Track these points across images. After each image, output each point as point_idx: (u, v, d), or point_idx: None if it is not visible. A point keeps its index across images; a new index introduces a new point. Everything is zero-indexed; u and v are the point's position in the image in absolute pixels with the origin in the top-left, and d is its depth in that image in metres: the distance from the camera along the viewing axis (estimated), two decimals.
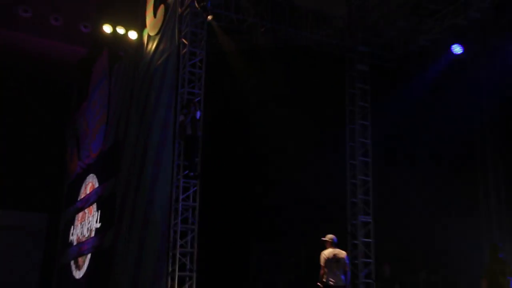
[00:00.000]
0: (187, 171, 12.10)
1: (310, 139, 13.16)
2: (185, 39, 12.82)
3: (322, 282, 10.03)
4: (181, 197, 12.10)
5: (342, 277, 10.00)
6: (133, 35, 15.73)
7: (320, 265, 10.20)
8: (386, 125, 14.68)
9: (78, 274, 18.23)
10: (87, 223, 18.22)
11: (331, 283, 9.96)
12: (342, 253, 10.23)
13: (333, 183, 14.50)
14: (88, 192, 18.66)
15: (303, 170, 12.73)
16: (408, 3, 12.84)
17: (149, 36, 14.65)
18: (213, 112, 12.58)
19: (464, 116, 15.66)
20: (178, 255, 11.87)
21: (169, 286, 11.74)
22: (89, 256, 17.53)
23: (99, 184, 17.70)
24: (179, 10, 13.12)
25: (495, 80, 15.01)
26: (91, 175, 18.57)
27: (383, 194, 14.65)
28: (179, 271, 11.85)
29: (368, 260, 14.42)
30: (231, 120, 12.60)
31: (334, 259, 10.07)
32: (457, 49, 14.06)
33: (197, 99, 12.42)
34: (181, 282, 11.88)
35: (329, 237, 10.46)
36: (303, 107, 13.16)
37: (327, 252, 10.20)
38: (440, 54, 14.66)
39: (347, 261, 10.21)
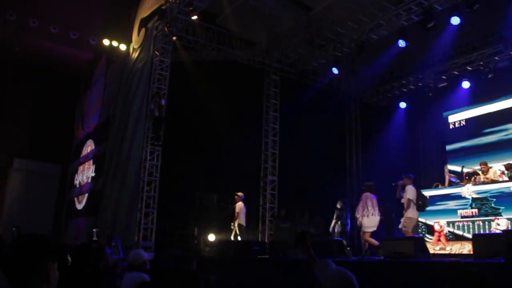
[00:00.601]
0: (153, 141, 12.07)
1: (239, 124, 13.12)
2: (157, 51, 12.89)
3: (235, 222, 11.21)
4: (148, 157, 12.14)
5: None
6: (123, 47, 15.56)
7: (236, 212, 11.31)
8: (289, 116, 14.73)
9: (79, 206, 18.06)
10: (86, 173, 18.09)
11: (242, 223, 11.18)
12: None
13: (253, 154, 14.54)
14: (87, 151, 18.49)
15: (233, 145, 12.68)
16: (305, 38, 12.93)
17: (133, 48, 14.76)
18: (173, 101, 12.46)
19: (338, 113, 16.02)
20: (145, 197, 11.88)
21: (138, 218, 11.64)
22: (86, 195, 17.44)
23: (95, 146, 17.58)
24: (154, 32, 13.21)
25: (356, 92, 15.39)
26: (90, 140, 18.38)
27: (285, 162, 14.71)
28: (145, 208, 11.89)
29: (272, 205, 14.51)
30: (186, 108, 12.47)
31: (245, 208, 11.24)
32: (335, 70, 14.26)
33: (163, 92, 12.40)
34: (146, 215, 11.92)
35: (240, 194, 11.40)
36: (235, 102, 13.13)
37: (241, 204, 11.21)
38: (325, 73, 14.90)
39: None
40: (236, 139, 12.89)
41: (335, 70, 14.26)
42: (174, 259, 9.61)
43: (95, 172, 16.61)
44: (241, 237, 11.12)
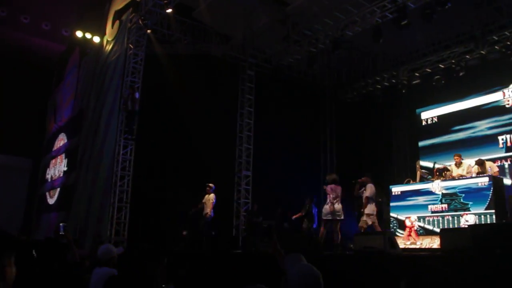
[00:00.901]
0: (126, 134, 11.94)
1: (213, 119, 13.10)
2: (131, 44, 12.77)
3: (207, 213, 11.42)
4: (121, 152, 12.03)
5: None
6: (96, 39, 15.34)
7: (211, 203, 11.46)
8: (264, 112, 14.77)
9: (51, 201, 17.75)
10: (58, 167, 17.82)
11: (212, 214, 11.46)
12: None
13: (228, 149, 14.52)
14: (59, 145, 18.22)
15: (207, 140, 12.60)
16: (281, 34, 12.94)
17: (107, 40, 14.59)
18: (147, 95, 12.35)
19: (313, 109, 16.11)
20: (117, 192, 11.77)
21: (110, 212, 11.54)
22: (58, 189, 17.17)
23: (67, 140, 17.33)
24: (129, 24, 13.10)
25: (331, 88, 15.40)
26: (62, 133, 18.11)
27: (259, 157, 14.73)
28: (118, 202, 11.85)
29: (247, 200, 14.53)
30: (160, 102, 12.34)
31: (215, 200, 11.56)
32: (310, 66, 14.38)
33: (137, 85, 12.27)
34: (119, 210, 11.85)
35: (211, 185, 11.64)
36: (210, 96, 13.07)
37: (212, 195, 11.53)
38: (300, 69, 14.99)
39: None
40: (211, 133, 12.84)
41: (310, 66, 14.31)
42: (145, 254, 9.54)
43: (67, 166, 16.36)
44: (205, 227, 11.24)
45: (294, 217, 12.21)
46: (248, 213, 13.84)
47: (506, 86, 13.16)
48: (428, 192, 9.91)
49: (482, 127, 13.58)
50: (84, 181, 13.65)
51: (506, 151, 12.77)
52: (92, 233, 11.93)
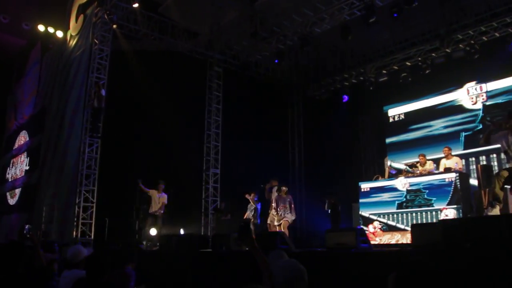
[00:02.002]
0: (92, 132, 11.71)
1: (181, 116, 12.97)
2: (96, 40, 12.49)
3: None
4: (87, 150, 11.79)
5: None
6: (59, 33, 14.94)
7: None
8: (232, 109, 14.72)
9: (12, 201, 17.17)
10: (19, 166, 17.25)
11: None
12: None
13: (195, 146, 14.43)
14: (21, 143, 17.64)
15: (175, 137, 12.49)
16: (249, 30, 12.93)
17: (71, 35, 14.23)
18: (113, 92, 12.16)
19: (281, 106, 16.15)
20: (83, 191, 11.54)
21: (76, 212, 11.29)
22: (20, 189, 16.64)
23: (29, 138, 16.81)
24: (94, 19, 12.81)
25: (299, 85, 15.50)
26: (24, 131, 17.52)
27: (227, 155, 14.68)
28: (84, 202, 11.64)
29: (215, 198, 14.47)
30: (126, 99, 12.14)
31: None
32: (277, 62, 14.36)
33: (102, 81, 12.03)
34: (85, 210, 11.62)
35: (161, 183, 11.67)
36: (177, 93, 12.96)
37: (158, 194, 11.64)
38: (268, 66, 14.99)
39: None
40: (178, 131, 12.73)
41: (278, 63, 14.35)
42: (113, 254, 9.35)
43: (29, 165, 15.90)
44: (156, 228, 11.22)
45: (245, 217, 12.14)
46: (216, 211, 13.76)
47: (471, 83, 13.52)
48: (394, 189, 10.09)
49: (448, 123, 13.93)
50: (47, 180, 13.28)
51: (465, 148, 13.16)
52: (57, 234, 11.64)
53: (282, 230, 10.23)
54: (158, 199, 11.51)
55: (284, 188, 11.16)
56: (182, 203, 12.70)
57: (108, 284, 3.77)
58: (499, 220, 5.15)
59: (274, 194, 11.16)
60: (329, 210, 12.52)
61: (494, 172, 7.77)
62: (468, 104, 13.58)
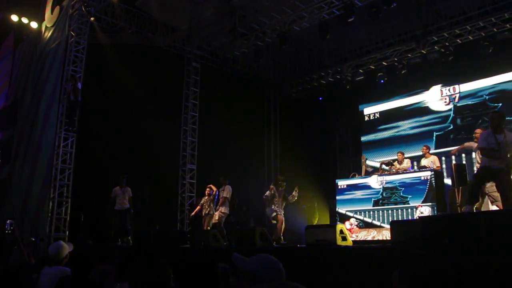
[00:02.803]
0: (67, 126, 11.52)
1: (158, 111, 12.89)
2: (72, 32, 12.30)
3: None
4: (62, 144, 11.59)
5: None
6: (34, 24, 14.59)
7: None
8: (209, 104, 14.81)
9: None
10: None
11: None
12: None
13: (172, 142, 14.34)
14: None
15: (151, 132, 12.40)
16: (228, 26, 12.90)
17: (46, 26, 13.97)
18: (89, 85, 11.98)
19: (258, 103, 16.23)
20: (58, 186, 11.34)
21: (50, 207, 11.15)
22: None
23: (0, 131, 16.18)
24: (70, 11, 12.61)
25: (276, 82, 15.55)
26: None
27: (204, 150, 14.65)
28: (58, 197, 11.47)
29: (191, 194, 14.45)
30: (102, 92, 12.00)
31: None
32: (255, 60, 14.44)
33: (79, 75, 11.86)
34: (59, 205, 11.45)
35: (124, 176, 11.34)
36: (154, 88, 12.91)
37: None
38: (246, 63, 15.03)
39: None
40: (155, 126, 12.65)
41: (256, 60, 14.39)
42: (90, 250, 9.26)
43: (0, 159, 15.50)
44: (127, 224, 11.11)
45: (194, 212, 11.99)
46: (192, 207, 13.73)
47: (445, 84, 13.85)
48: (370, 186, 10.28)
49: (421, 123, 14.25)
50: (20, 174, 13.02)
51: (436, 148, 13.47)
52: (29, 229, 11.43)
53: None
54: (122, 194, 11.30)
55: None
56: (158, 198, 12.65)
57: (93, 281, 3.75)
58: (476, 217, 5.32)
59: (227, 191, 10.99)
60: (304, 206, 12.69)
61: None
62: (441, 105, 13.91)
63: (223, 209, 10.82)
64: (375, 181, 10.21)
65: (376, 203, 10.09)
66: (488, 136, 6.09)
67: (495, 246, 4.60)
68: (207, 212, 11.20)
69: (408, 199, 9.60)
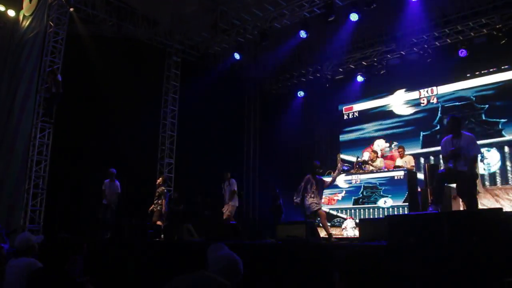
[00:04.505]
0: (44, 117, 11.45)
1: (137, 104, 12.88)
2: (51, 22, 12.11)
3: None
4: (38, 135, 11.49)
5: None
6: (11, 13, 14.33)
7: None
8: (189, 99, 14.79)
9: None
10: None
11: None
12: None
13: (151, 135, 14.37)
14: None
15: (130, 125, 12.43)
16: (209, 22, 12.96)
17: (24, 15, 13.65)
18: (68, 77, 11.86)
19: (238, 98, 16.30)
20: (33, 177, 11.29)
21: (25, 199, 11.12)
22: None
23: None
24: (49, 0, 12.35)
25: (256, 79, 15.76)
26: None
27: (183, 145, 14.71)
28: (33, 188, 11.34)
29: (169, 188, 14.46)
30: (81, 84, 11.97)
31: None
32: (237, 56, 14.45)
33: (57, 66, 11.81)
34: (35, 196, 11.36)
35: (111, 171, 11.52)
36: (134, 81, 12.87)
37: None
38: (227, 58, 15.06)
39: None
40: (134, 119, 12.66)
41: (236, 56, 14.47)
42: (63, 242, 9.25)
43: None
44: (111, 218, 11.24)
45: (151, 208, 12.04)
46: (169, 201, 13.78)
47: (422, 86, 14.09)
48: (350, 184, 10.49)
49: (399, 123, 14.49)
50: None
51: (422, 147, 13.71)
52: (3, 220, 11.35)
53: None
54: (109, 188, 11.44)
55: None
56: (136, 192, 12.65)
57: (67, 273, 3.76)
58: (441, 217, 5.50)
59: (234, 185, 11.48)
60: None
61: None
62: (419, 106, 14.16)
63: (233, 202, 11.42)
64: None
65: (356, 202, 10.30)
66: (447, 142, 6.29)
67: (457, 245, 4.78)
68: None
69: (389, 198, 9.82)
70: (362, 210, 10.17)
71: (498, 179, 12.19)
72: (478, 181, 8.19)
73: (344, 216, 10.39)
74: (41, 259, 4.35)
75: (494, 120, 12.54)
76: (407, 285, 4.61)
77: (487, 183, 12.19)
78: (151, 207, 11.86)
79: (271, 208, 12.70)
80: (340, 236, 9.94)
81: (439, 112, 13.70)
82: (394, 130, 14.51)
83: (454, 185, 7.17)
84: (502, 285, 3.23)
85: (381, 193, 9.94)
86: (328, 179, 9.32)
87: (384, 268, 4.75)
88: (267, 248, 7.07)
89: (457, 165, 6.02)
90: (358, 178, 10.32)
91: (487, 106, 12.78)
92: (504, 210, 5.42)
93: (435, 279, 4.55)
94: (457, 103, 13.39)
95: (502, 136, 12.33)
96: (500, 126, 12.40)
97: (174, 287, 1.66)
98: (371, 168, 10.64)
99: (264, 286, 5.54)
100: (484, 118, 12.77)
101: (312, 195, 8.70)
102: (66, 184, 11.74)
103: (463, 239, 4.83)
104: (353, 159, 11.49)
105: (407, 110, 14.38)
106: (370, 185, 10.13)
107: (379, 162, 10.80)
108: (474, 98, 13.07)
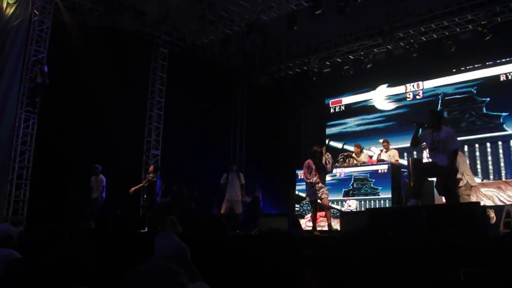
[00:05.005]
0: (28, 107, 11.36)
1: (123, 95, 12.80)
2: (36, 10, 11.99)
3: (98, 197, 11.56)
4: (22, 125, 11.42)
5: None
6: None
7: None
8: (176, 91, 14.77)
9: None
10: None
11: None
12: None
13: (137, 127, 14.33)
14: None
15: (116, 116, 12.35)
16: (197, 13, 12.89)
17: (8, 3, 13.38)
18: (53, 66, 11.76)
19: (225, 91, 16.34)
20: (17, 168, 11.24)
21: (8, 190, 11.04)
22: None
23: None
24: None
25: (244, 71, 15.71)
26: None
27: (169, 137, 14.68)
28: (17, 179, 11.32)
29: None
30: (66, 74, 11.87)
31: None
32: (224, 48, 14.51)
33: (42, 55, 11.70)
34: (18, 187, 11.34)
35: (96, 166, 11.51)
36: (120, 72, 12.80)
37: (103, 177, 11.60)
38: (214, 50, 15.10)
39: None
40: (119, 110, 12.59)
41: (224, 48, 14.45)
42: (46, 233, 9.23)
43: None
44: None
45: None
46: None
47: (408, 80, 14.21)
48: (341, 177, 10.57)
49: (384, 118, 14.62)
50: None
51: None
52: None
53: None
54: (95, 182, 11.43)
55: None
56: (121, 184, 12.63)
57: (47, 265, 3.76)
58: (420, 211, 5.59)
59: (243, 178, 10.86)
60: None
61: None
62: (404, 100, 14.28)
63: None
64: (343, 172, 10.54)
65: (346, 194, 10.38)
66: (426, 133, 6.37)
67: (436, 236, 4.85)
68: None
69: (379, 190, 9.92)
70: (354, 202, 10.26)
71: (503, 173, 12.27)
72: (470, 176, 8.32)
73: (338, 208, 10.47)
74: (19, 250, 4.37)
75: (496, 113, 12.64)
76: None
77: (491, 176, 12.32)
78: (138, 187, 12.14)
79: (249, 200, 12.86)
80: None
81: (440, 104, 13.80)
82: (379, 125, 14.63)
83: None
84: (458, 276, 3.31)
85: (371, 185, 10.04)
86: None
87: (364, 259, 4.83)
88: (250, 239, 7.13)
89: (436, 159, 6.09)
90: (342, 172, 10.39)
91: (488, 99, 12.87)
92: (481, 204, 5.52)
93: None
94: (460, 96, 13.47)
95: (504, 130, 12.41)
96: (501, 120, 12.50)
97: (133, 282, 1.66)
98: (355, 162, 10.72)
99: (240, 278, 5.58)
100: (485, 111, 12.88)
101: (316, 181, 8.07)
102: (50, 175, 11.67)
103: (441, 231, 4.92)
104: (339, 145, 11.53)
105: (390, 105, 14.54)
106: (361, 177, 10.23)
107: (363, 156, 10.89)
108: (474, 91, 13.16)
